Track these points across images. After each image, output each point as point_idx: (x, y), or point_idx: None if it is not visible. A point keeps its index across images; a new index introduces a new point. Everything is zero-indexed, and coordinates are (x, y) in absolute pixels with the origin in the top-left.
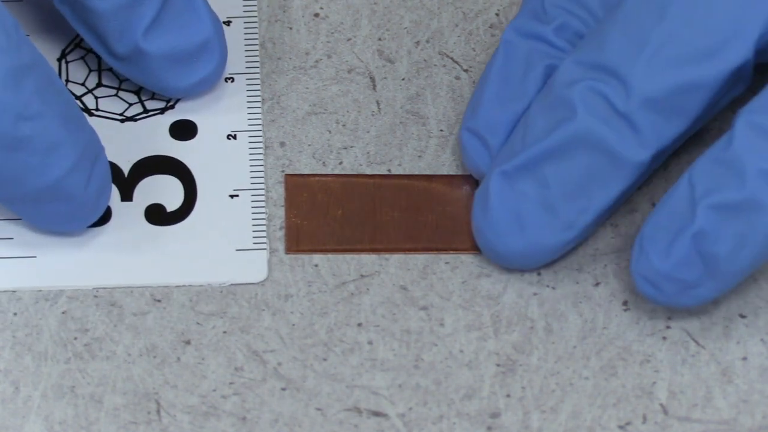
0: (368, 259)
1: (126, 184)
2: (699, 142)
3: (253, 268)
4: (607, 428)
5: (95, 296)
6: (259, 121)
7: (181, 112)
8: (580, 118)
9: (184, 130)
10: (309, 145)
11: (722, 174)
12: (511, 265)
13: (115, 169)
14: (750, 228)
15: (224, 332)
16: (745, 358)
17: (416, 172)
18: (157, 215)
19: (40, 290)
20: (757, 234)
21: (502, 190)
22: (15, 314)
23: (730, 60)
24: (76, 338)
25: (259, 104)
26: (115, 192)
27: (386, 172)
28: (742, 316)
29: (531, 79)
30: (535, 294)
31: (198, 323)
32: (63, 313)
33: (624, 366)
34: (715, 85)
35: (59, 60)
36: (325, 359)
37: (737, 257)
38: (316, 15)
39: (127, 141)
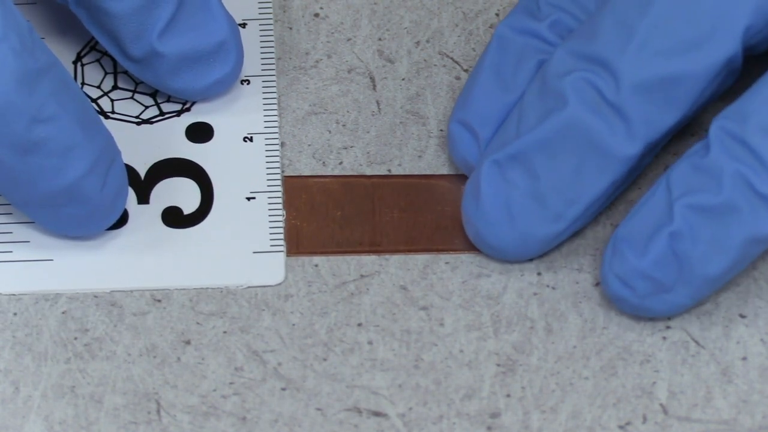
0: (368, 259)
1: (142, 186)
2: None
3: (270, 270)
4: (607, 428)
5: (95, 296)
6: (276, 123)
7: (197, 115)
8: (570, 109)
9: (200, 133)
10: (309, 145)
11: (700, 179)
12: (500, 255)
13: (131, 171)
14: (726, 233)
15: (224, 332)
16: (745, 358)
17: (416, 172)
18: (173, 218)
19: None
20: (733, 239)
21: (492, 179)
22: (15, 314)
23: (718, 52)
24: (76, 338)
25: (275, 106)
26: (131, 195)
27: (386, 172)
28: (742, 316)
29: (523, 73)
30: (535, 294)
31: (198, 323)
32: (63, 313)
33: (624, 366)
34: (703, 77)
35: (75, 63)
36: (325, 359)
37: (711, 261)
38: (316, 15)
39: (143, 144)
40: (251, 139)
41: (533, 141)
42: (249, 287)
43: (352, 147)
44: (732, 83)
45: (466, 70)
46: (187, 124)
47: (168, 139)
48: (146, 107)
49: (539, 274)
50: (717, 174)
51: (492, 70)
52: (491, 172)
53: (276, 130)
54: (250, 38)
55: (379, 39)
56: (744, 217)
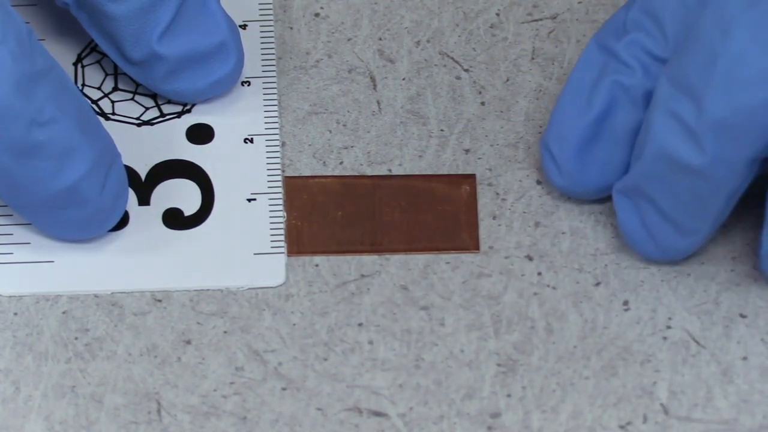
0: (369, 258)
1: (143, 188)
2: None
3: (271, 271)
4: (607, 428)
5: (96, 296)
6: (276, 125)
7: (197, 116)
8: (656, 141)
9: (201, 134)
10: (309, 145)
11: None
12: (659, 262)
13: (132, 173)
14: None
15: (225, 332)
16: (745, 358)
17: (416, 172)
18: (174, 219)
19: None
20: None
21: (623, 207)
22: (15, 314)
23: None
24: (76, 338)
25: (275, 108)
26: (132, 196)
27: (387, 172)
28: (743, 316)
29: (598, 94)
30: (535, 294)
31: (198, 323)
32: (63, 313)
33: (624, 366)
34: None
35: (75, 64)
36: (325, 359)
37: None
38: (317, 15)
39: (143, 145)
40: (252, 141)
41: (640, 173)
42: (249, 288)
43: (352, 147)
44: None
45: (466, 70)
46: (188, 126)
47: (168, 140)
48: (147, 109)
49: (539, 274)
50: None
51: (572, 89)
52: (620, 200)
53: (277, 132)
54: (250, 40)
55: (380, 39)
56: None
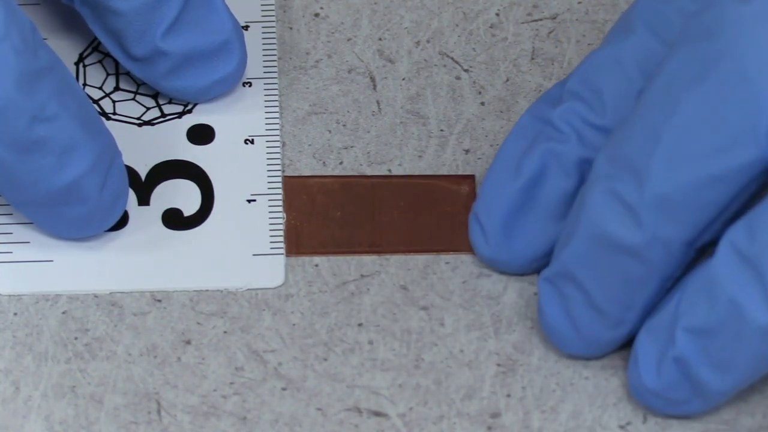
0: (368, 259)
1: (143, 188)
2: None
3: (270, 272)
4: (607, 428)
5: (95, 296)
6: (277, 126)
7: (198, 117)
8: (592, 219)
9: (201, 135)
10: (309, 145)
11: (700, 295)
12: (575, 357)
13: (132, 173)
14: (730, 353)
15: (225, 332)
16: None
17: (416, 172)
18: (174, 219)
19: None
20: (739, 359)
21: (548, 296)
22: (15, 314)
23: (743, 157)
24: (76, 338)
25: (276, 109)
26: (132, 196)
27: (386, 172)
28: None
29: (526, 162)
30: (535, 294)
31: (198, 323)
32: (63, 313)
33: (624, 365)
34: (732, 182)
35: (77, 63)
36: (325, 359)
37: (722, 380)
38: (317, 15)
39: (144, 145)
40: (252, 142)
41: (571, 256)
42: (249, 289)
43: (352, 147)
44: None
45: (466, 70)
46: (189, 126)
47: (169, 140)
48: (148, 109)
49: (540, 274)
50: (714, 292)
51: (503, 157)
52: (546, 288)
53: (277, 133)
54: (252, 41)
55: (380, 39)
56: (745, 340)
